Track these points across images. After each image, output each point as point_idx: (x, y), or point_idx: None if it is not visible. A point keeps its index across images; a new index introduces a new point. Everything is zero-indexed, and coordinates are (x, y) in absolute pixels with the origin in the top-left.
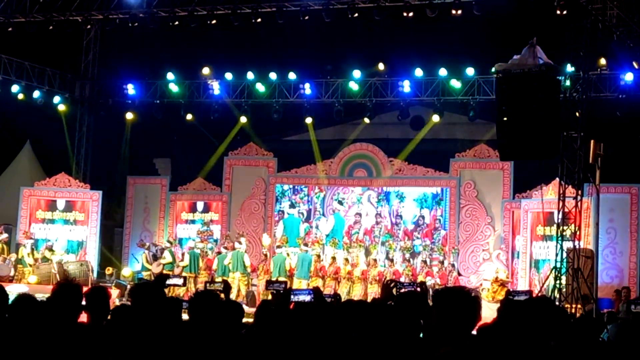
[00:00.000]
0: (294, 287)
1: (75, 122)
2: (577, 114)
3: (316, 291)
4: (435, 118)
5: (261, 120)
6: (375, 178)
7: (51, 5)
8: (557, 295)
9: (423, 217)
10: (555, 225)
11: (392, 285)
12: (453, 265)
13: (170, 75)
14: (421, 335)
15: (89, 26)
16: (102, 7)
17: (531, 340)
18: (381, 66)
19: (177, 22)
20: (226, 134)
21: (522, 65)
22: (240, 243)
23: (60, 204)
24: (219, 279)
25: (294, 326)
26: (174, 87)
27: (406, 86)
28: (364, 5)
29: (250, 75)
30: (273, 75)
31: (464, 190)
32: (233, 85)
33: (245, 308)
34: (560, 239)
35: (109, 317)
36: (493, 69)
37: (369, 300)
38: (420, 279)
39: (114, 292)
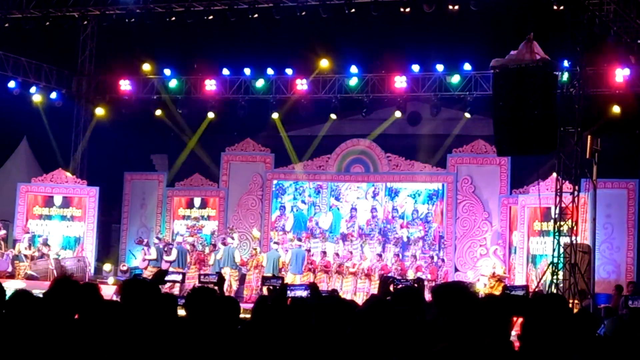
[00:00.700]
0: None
1: (72, 118)
2: (574, 109)
3: (312, 287)
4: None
5: (258, 116)
6: (373, 174)
7: (48, 1)
8: (555, 291)
9: (417, 211)
10: (552, 221)
11: (389, 281)
12: (443, 260)
13: (167, 71)
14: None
15: (85, 22)
16: (99, 3)
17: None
18: (377, 62)
19: (173, 18)
20: (224, 130)
21: (519, 61)
22: (232, 239)
23: (57, 200)
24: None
25: (293, 322)
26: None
27: (403, 82)
28: (361, 1)
29: (247, 71)
30: (270, 71)
31: (461, 185)
32: (230, 81)
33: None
34: (557, 234)
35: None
36: (490, 65)
37: (360, 295)
38: (410, 273)
39: (112, 289)
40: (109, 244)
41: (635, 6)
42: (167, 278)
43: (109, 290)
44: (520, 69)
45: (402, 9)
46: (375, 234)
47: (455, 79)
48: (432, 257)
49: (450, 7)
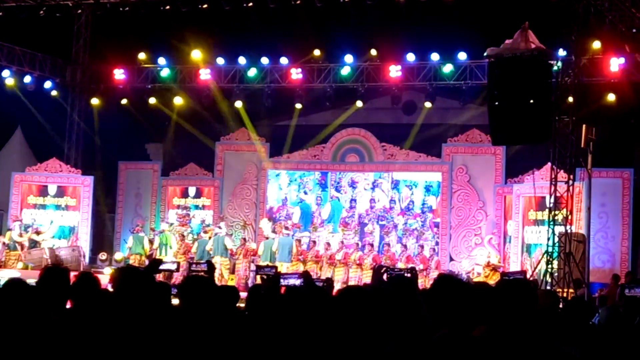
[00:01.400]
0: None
1: (66, 107)
2: (569, 98)
3: (306, 275)
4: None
5: (253, 106)
6: (368, 163)
7: None
8: (549, 280)
9: (413, 202)
10: (547, 210)
11: (382, 270)
12: (434, 250)
13: (161, 60)
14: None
15: (79, 11)
16: None
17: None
18: (373, 52)
19: (167, 7)
20: (218, 119)
21: (514, 50)
22: (220, 228)
23: (52, 189)
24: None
25: (287, 310)
26: (164, 72)
27: (398, 71)
28: None
29: (241, 60)
30: (265, 60)
31: (456, 175)
32: (224, 70)
33: None
34: (552, 223)
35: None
36: (485, 54)
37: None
38: (400, 264)
39: (107, 278)
40: (103, 233)
41: None
42: (161, 267)
43: (104, 280)
44: (516, 58)
45: None
46: (370, 223)
47: (451, 68)
48: (422, 247)
49: None
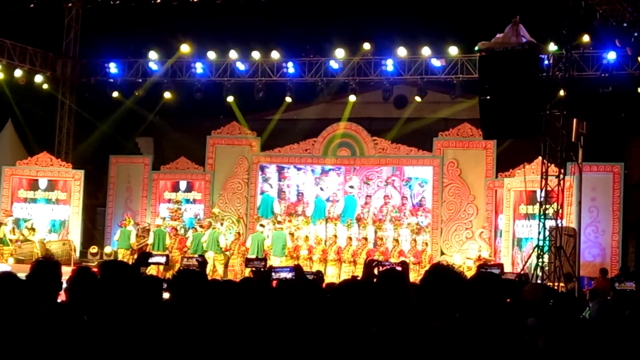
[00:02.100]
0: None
1: (57, 101)
2: (560, 92)
3: (297, 269)
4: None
5: (244, 99)
6: (359, 157)
7: None
8: (540, 274)
9: (425, 199)
10: (537, 204)
11: (373, 264)
12: (426, 244)
13: (152, 54)
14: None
15: (70, 4)
16: None
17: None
18: (367, 46)
19: (158, 0)
20: (209, 113)
21: (505, 44)
22: (221, 225)
23: (42, 183)
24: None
25: (279, 303)
26: (154, 66)
27: (389, 65)
28: None
29: (232, 54)
30: (256, 54)
31: (447, 169)
32: (215, 64)
33: None
34: (542, 217)
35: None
36: (476, 48)
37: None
38: (392, 259)
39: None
40: (94, 227)
41: None
42: (150, 260)
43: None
44: (507, 52)
45: None
46: (386, 218)
47: (442, 62)
48: (415, 240)
49: None
